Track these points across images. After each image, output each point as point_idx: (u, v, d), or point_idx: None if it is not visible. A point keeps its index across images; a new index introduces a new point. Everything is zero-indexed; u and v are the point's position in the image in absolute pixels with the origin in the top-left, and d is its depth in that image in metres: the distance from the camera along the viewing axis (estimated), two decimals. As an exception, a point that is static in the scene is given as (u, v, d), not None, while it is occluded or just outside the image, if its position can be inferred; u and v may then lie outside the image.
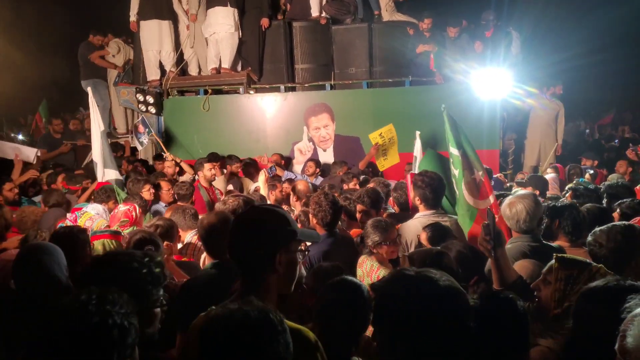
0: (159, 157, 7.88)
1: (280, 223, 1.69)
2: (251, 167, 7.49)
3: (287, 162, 8.29)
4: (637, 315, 1.30)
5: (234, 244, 1.70)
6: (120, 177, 6.11)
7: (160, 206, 5.45)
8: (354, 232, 4.13)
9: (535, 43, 8.73)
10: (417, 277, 1.43)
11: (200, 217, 3.14)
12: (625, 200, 3.99)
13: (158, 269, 1.82)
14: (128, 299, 1.40)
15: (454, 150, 3.81)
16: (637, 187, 5.34)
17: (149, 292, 1.76)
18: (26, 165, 6.78)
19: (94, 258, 2.55)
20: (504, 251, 2.29)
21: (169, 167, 7.23)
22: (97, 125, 6.00)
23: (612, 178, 6.70)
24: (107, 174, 5.91)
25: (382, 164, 7.46)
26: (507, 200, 3.10)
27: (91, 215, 4.35)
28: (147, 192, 5.37)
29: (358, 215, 4.00)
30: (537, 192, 5.13)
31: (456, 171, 3.78)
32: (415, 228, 3.43)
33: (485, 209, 3.52)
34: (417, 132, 5.78)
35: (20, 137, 10.21)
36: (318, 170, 7.43)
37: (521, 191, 3.36)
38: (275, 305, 1.62)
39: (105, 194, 5.13)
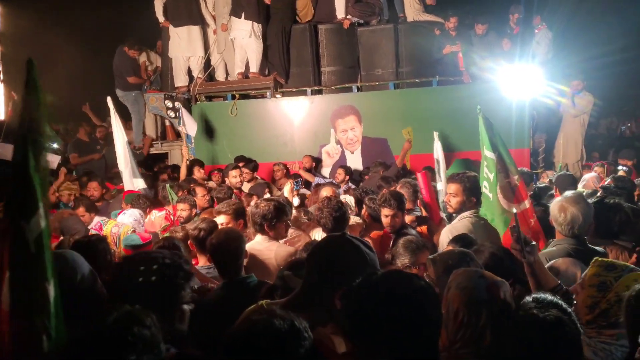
0: (196, 162, 7.86)
1: (360, 262, 1.64)
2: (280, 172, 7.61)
3: (317, 164, 8.34)
4: None
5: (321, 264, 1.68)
6: (146, 186, 6.18)
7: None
8: (374, 234, 4.16)
9: (567, 39, 8.54)
10: (379, 280, 1.41)
11: (212, 236, 3.15)
12: None
13: (187, 265, 1.84)
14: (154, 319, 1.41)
15: (488, 153, 3.73)
16: None
17: (181, 286, 1.77)
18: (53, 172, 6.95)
19: (126, 257, 2.57)
20: (538, 257, 2.25)
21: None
22: (120, 135, 6.10)
23: (646, 176, 6.53)
24: (135, 183, 6.00)
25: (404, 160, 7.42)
26: (557, 203, 3.02)
27: (115, 223, 4.40)
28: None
29: (384, 219, 3.97)
30: (557, 192, 5.05)
31: (491, 175, 3.71)
32: (465, 228, 3.37)
33: (521, 213, 3.49)
34: (436, 133, 5.71)
35: (55, 145, 10.48)
36: (348, 177, 7.41)
37: (568, 193, 3.27)
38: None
39: (141, 201, 5.19)
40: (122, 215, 4.60)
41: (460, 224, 3.48)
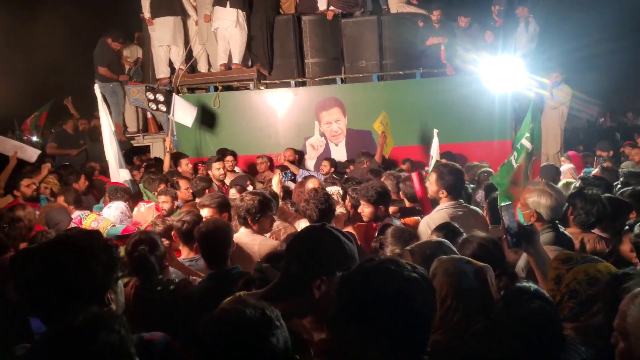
0: (182, 155, 7.73)
1: (340, 252, 1.64)
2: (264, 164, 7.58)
3: (300, 158, 8.31)
4: (637, 295, 1.29)
5: (294, 249, 1.69)
6: (131, 177, 6.08)
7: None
8: (358, 225, 4.15)
9: (548, 33, 8.61)
10: (376, 268, 1.40)
11: (200, 224, 3.14)
12: (626, 189, 3.98)
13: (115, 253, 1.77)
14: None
15: (526, 143, 3.60)
16: None
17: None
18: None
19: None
20: (538, 249, 2.27)
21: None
22: (107, 126, 5.99)
23: (626, 166, 6.65)
24: (121, 174, 5.91)
25: (387, 151, 7.36)
26: (537, 189, 3.10)
27: (96, 217, 4.32)
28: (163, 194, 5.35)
29: (361, 210, 3.98)
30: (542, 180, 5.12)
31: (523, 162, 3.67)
32: (442, 219, 3.41)
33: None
34: (435, 131, 5.71)
35: (34, 138, 10.27)
36: (333, 169, 7.42)
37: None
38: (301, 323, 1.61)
39: (119, 194, 5.08)
40: (107, 209, 4.51)
41: (437, 215, 3.52)
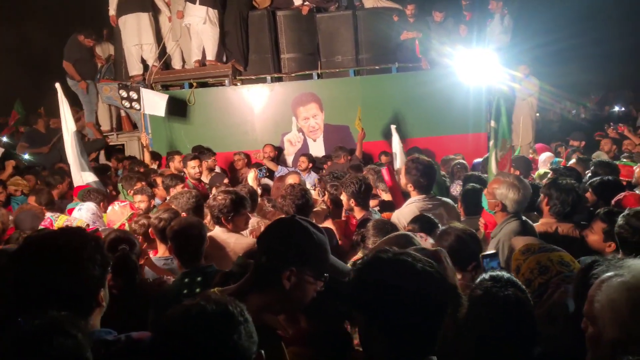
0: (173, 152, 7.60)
1: (308, 242, 1.62)
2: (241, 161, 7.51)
3: (279, 153, 8.27)
4: (604, 281, 1.32)
5: (264, 239, 1.68)
6: (97, 179, 5.81)
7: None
8: (337, 221, 4.17)
9: (519, 27, 8.74)
10: (394, 260, 1.39)
11: (172, 222, 3.10)
12: (595, 179, 4.08)
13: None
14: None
15: (492, 123, 4.03)
16: (619, 163, 5.42)
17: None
18: None
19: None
20: None
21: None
22: (67, 126, 5.71)
23: (597, 156, 6.82)
24: (84, 177, 5.66)
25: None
26: (504, 182, 3.16)
27: (67, 218, 4.22)
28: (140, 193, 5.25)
29: (344, 202, 3.99)
30: (518, 172, 5.22)
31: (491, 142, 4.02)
32: (411, 213, 3.46)
33: None
34: (393, 127, 5.76)
35: (4, 139, 9.97)
36: (311, 165, 7.40)
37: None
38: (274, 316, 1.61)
39: (92, 195, 4.95)
40: (77, 211, 4.40)
41: (407, 209, 3.58)
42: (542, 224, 3.41)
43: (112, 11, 8.33)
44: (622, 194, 3.69)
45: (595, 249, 2.99)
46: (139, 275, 2.94)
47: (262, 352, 1.30)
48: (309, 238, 1.62)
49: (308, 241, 1.62)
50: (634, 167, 4.88)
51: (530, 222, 3.20)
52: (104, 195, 5.08)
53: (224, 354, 1.23)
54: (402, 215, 3.51)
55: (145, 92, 7.82)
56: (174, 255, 3.04)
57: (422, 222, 3.17)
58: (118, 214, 4.02)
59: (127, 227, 3.69)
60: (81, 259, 1.56)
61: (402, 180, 3.80)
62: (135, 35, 8.28)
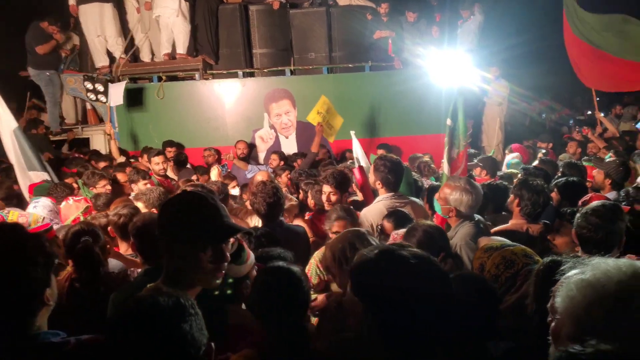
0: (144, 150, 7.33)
1: (209, 215, 1.62)
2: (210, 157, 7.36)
3: (250, 151, 8.13)
4: (567, 277, 1.36)
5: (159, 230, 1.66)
6: (49, 178, 5.35)
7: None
8: (307, 220, 4.14)
9: (489, 29, 8.87)
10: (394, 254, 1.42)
11: (135, 218, 2.99)
12: (560, 179, 4.14)
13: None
14: None
15: (448, 121, 3.99)
16: (587, 164, 5.53)
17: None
18: None
19: None
20: None
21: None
22: (6, 121, 5.18)
23: (563, 158, 6.97)
24: (35, 177, 5.19)
25: (330, 135, 7.27)
26: (455, 185, 3.17)
27: (20, 213, 4.02)
28: (102, 189, 5.02)
29: (323, 196, 3.97)
30: (485, 172, 5.28)
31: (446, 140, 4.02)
32: (379, 211, 3.47)
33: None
34: (352, 132, 5.77)
35: None
36: (282, 162, 7.26)
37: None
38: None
39: (59, 189, 4.70)
40: (32, 208, 4.17)
41: (374, 207, 3.58)
42: (513, 224, 3.41)
43: (72, 0, 8.03)
44: (589, 195, 3.74)
45: (563, 252, 3.02)
46: (103, 268, 2.83)
47: (212, 344, 1.34)
48: (195, 211, 1.62)
49: (195, 215, 1.61)
50: (593, 172, 4.98)
51: (483, 220, 3.22)
52: (71, 190, 4.86)
53: (175, 343, 1.26)
54: (370, 213, 3.51)
55: (112, 85, 7.61)
56: (136, 252, 2.93)
57: (397, 217, 3.19)
58: (73, 209, 3.85)
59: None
60: (19, 261, 1.48)
61: (371, 177, 3.79)
62: (97, 26, 8.02)
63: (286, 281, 1.86)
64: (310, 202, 4.37)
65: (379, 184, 3.67)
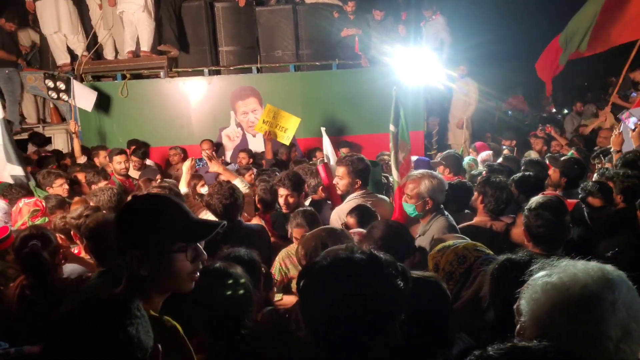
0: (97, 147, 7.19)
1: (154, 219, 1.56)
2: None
3: (217, 148, 8.04)
4: (534, 279, 1.36)
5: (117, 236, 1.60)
6: (24, 174, 5.29)
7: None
8: (267, 219, 4.10)
9: (454, 28, 8.97)
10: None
11: (88, 220, 2.92)
12: (517, 175, 4.22)
13: None
14: None
15: (392, 127, 3.94)
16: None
17: None
18: None
19: None
20: None
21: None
22: None
23: (528, 155, 7.10)
24: (11, 170, 5.13)
25: (286, 138, 7.16)
26: (418, 176, 3.21)
27: None
28: (59, 188, 4.90)
29: (279, 199, 3.94)
30: (448, 170, 5.34)
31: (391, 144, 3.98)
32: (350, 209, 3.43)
33: (399, 187, 3.75)
34: (323, 129, 5.75)
35: None
36: (251, 161, 7.19)
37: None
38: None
39: (14, 190, 4.55)
40: None
41: (347, 205, 3.57)
42: (477, 221, 3.45)
43: None
44: (545, 192, 3.82)
45: (518, 242, 3.06)
46: (55, 274, 2.76)
47: (159, 345, 1.32)
48: (153, 214, 1.56)
49: (168, 216, 1.56)
50: (550, 171, 5.09)
51: (450, 216, 3.25)
52: (28, 190, 4.72)
53: (120, 344, 1.24)
54: (343, 212, 3.49)
55: (77, 85, 7.44)
56: (90, 254, 2.85)
57: (359, 212, 3.19)
58: (21, 212, 3.74)
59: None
60: None
61: (344, 179, 3.74)
62: (55, 23, 7.80)
63: (220, 282, 1.83)
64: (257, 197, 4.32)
65: (348, 182, 3.68)
